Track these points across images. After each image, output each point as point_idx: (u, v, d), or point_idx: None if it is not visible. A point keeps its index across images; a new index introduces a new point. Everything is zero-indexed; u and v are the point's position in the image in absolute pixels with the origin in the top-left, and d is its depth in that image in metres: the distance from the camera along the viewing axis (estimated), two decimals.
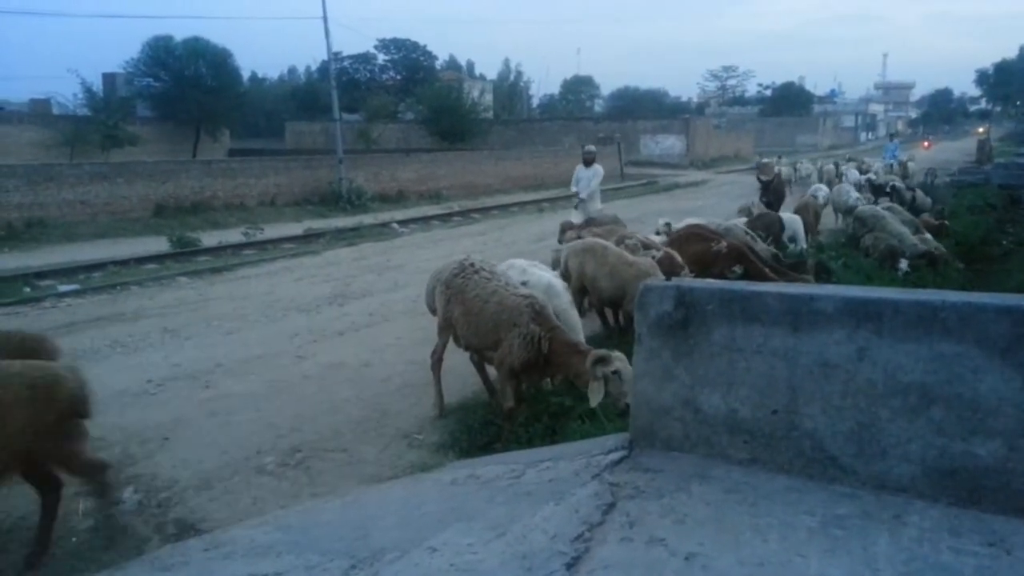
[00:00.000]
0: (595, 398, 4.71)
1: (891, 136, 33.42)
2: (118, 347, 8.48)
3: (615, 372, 4.69)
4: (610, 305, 7.94)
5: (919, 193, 18.15)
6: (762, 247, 9.91)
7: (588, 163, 12.84)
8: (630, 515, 2.43)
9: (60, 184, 18.42)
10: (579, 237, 8.96)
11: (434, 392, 6.46)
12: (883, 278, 9.70)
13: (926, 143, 56.32)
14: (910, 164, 25.02)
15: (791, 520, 2.33)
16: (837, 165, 25.20)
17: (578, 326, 6.29)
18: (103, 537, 4.50)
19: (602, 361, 4.77)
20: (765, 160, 25.00)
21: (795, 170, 26.05)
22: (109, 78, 38.60)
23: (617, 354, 4.84)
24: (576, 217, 12.35)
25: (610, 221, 10.70)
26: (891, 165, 24.66)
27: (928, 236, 11.97)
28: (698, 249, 8.71)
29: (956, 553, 2.08)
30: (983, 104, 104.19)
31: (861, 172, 22.08)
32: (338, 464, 5.49)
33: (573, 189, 12.92)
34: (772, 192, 16.19)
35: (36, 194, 17.77)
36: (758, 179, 17.40)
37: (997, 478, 2.33)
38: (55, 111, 37.41)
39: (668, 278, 3.22)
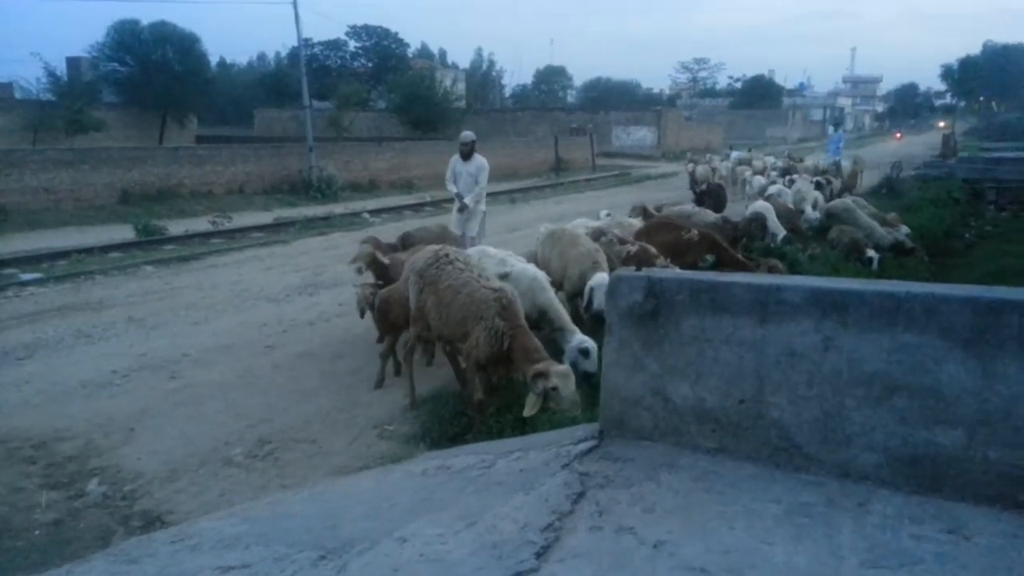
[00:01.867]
0: (529, 410, 4.78)
1: (835, 126, 29.61)
2: (82, 337, 8.33)
3: (553, 388, 4.74)
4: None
5: (809, 208, 13.95)
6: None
7: (466, 155, 10.26)
8: (599, 504, 2.44)
9: (23, 170, 18.00)
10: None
11: (406, 383, 6.44)
12: (849, 270, 9.84)
13: (898, 135, 58.02)
14: (846, 164, 21.65)
15: (758, 508, 2.36)
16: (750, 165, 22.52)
17: (564, 314, 6.35)
18: (66, 529, 4.44)
19: (541, 376, 4.81)
20: (692, 164, 24.05)
21: (713, 171, 22.74)
22: (73, 62, 37.67)
23: (559, 369, 4.86)
24: (456, 224, 10.24)
25: (434, 237, 8.67)
26: (836, 163, 21.73)
27: (902, 229, 12.15)
28: (668, 239, 8.75)
29: (917, 540, 2.13)
30: (948, 99, 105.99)
31: (786, 172, 19.04)
32: (307, 455, 5.46)
33: (451, 189, 10.38)
34: (710, 197, 14.77)
35: None
36: (692, 187, 16.63)
37: (958, 466, 2.38)
38: (17, 95, 36.48)
39: (639, 268, 3.23)
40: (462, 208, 10.21)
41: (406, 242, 8.68)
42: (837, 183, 18.73)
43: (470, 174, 10.25)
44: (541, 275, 6.72)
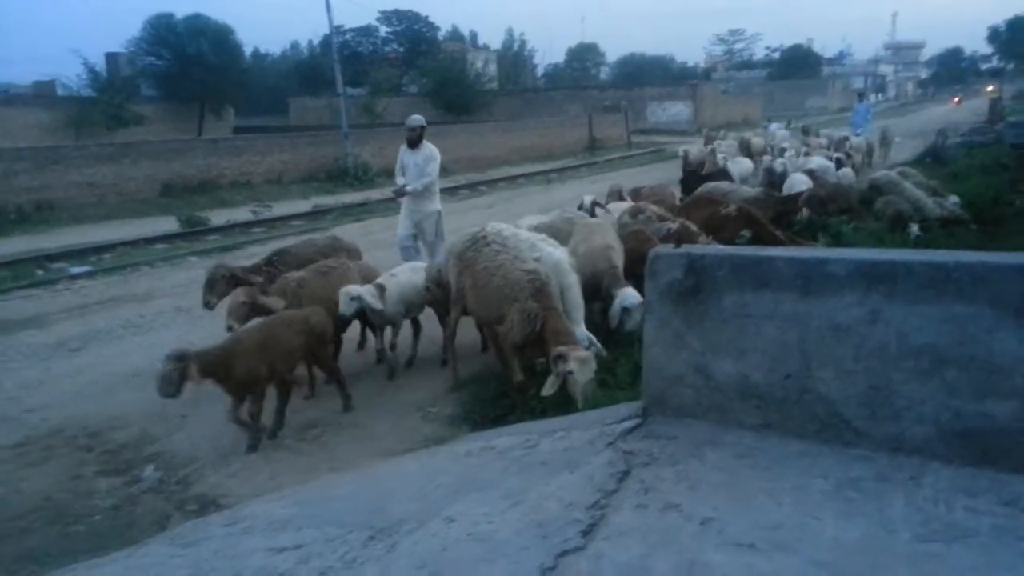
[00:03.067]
0: (547, 389, 4.81)
1: (860, 95, 26.83)
2: (131, 328, 8.54)
3: (569, 372, 4.73)
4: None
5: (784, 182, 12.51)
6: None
7: (413, 143, 9.01)
8: (644, 482, 2.44)
9: (67, 166, 18.43)
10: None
11: (449, 365, 6.49)
12: (894, 241, 9.63)
13: (956, 99, 57.32)
14: (872, 138, 20.15)
15: (805, 484, 2.34)
16: (749, 145, 19.11)
17: (580, 306, 5.97)
18: (125, 514, 4.58)
19: (561, 358, 4.81)
20: (684, 149, 17.70)
21: (712, 152, 17.51)
22: (112, 58, 38.42)
23: (579, 355, 4.83)
24: (404, 228, 9.11)
25: (316, 252, 7.41)
26: (859, 136, 19.91)
27: (951, 200, 11.81)
28: (706, 214, 8.66)
29: (972, 513, 2.09)
30: (995, 62, 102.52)
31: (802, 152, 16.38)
32: (353, 438, 5.54)
33: (399, 180, 9.04)
34: (699, 182, 12.55)
35: (43, 177, 17.80)
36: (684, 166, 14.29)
37: (1012, 438, 2.33)
38: (59, 93, 37.30)
39: (678, 245, 3.20)
40: (401, 192, 8.91)
41: (279, 261, 7.25)
42: (858, 158, 17.42)
43: (418, 165, 8.94)
44: (567, 259, 6.27)
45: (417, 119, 9.18)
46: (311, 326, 5.75)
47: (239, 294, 6.13)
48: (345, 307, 6.13)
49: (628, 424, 2.94)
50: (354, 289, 6.21)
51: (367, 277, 6.81)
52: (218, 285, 6.69)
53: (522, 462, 2.83)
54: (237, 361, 5.13)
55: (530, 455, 2.89)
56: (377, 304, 6.22)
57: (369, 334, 7.33)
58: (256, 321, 5.87)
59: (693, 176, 13.88)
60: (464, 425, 5.50)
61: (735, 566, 1.92)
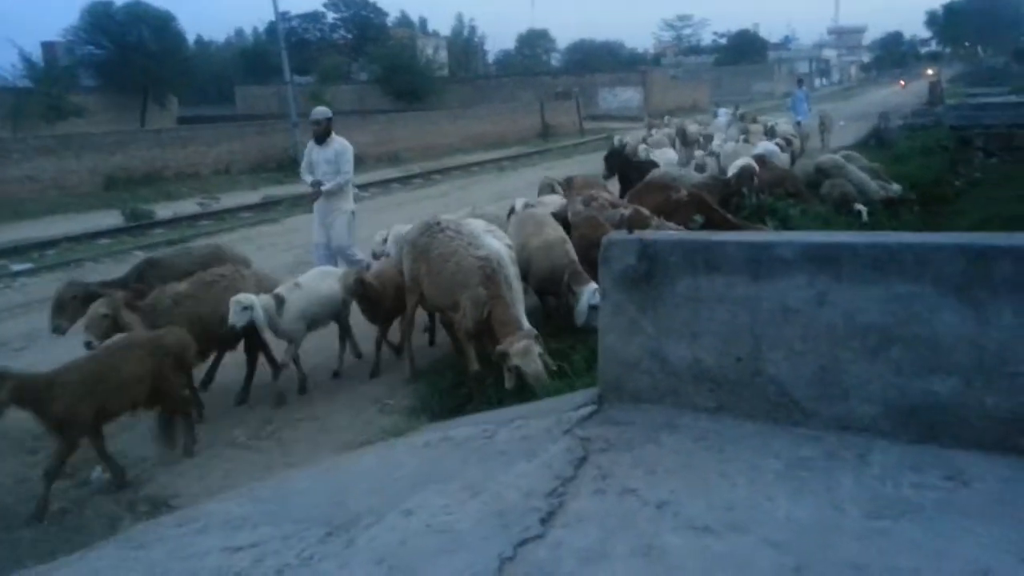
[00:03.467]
0: (507, 383, 4.94)
1: (799, 82, 25.45)
2: (77, 326, 8.30)
3: (515, 367, 4.83)
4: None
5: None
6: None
7: (320, 137, 8.21)
8: (602, 468, 2.46)
9: (5, 160, 17.80)
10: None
11: (405, 356, 6.45)
12: (841, 223, 9.85)
13: (902, 82, 59.60)
14: (811, 123, 20.13)
15: (758, 464, 2.38)
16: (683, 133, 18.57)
17: (520, 298, 5.71)
18: (74, 518, 4.46)
19: (503, 356, 4.91)
20: (618, 137, 17.49)
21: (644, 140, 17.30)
22: (49, 47, 37.20)
23: (518, 348, 4.87)
24: (317, 230, 8.33)
25: (193, 263, 6.56)
26: (798, 123, 19.83)
27: (893, 186, 12.10)
28: (659, 199, 8.73)
29: (917, 488, 2.16)
30: (934, 46, 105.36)
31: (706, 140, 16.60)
32: (310, 433, 5.48)
33: (307, 179, 8.27)
34: (631, 172, 11.91)
35: None
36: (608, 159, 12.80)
37: (955, 413, 2.40)
38: None
39: (631, 231, 3.22)
40: (316, 195, 8.13)
41: (151, 273, 6.46)
42: (798, 144, 17.27)
43: (328, 161, 8.18)
44: (506, 251, 5.98)
45: (322, 111, 8.34)
46: (164, 349, 4.93)
47: (100, 305, 5.32)
48: (235, 317, 5.39)
49: (585, 411, 2.95)
50: (246, 298, 5.49)
51: (265, 288, 5.99)
52: (69, 307, 5.73)
53: (481, 452, 2.83)
54: (56, 396, 4.33)
55: (488, 445, 2.89)
56: (265, 321, 5.59)
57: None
58: (107, 344, 5.04)
59: (627, 163, 12.85)
60: (422, 416, 5.47)
61: (691, 548, 1.95)
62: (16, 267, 11.41)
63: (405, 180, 21.88)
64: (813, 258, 2.63)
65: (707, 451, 2.51)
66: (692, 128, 19.85)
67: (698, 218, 8.10)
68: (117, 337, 5.12)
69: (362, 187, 19.84)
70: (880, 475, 2.24)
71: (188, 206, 17.25)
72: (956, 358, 2.40)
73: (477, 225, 6.38)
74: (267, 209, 16.72)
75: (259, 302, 5.57)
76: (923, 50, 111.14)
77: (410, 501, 2.41)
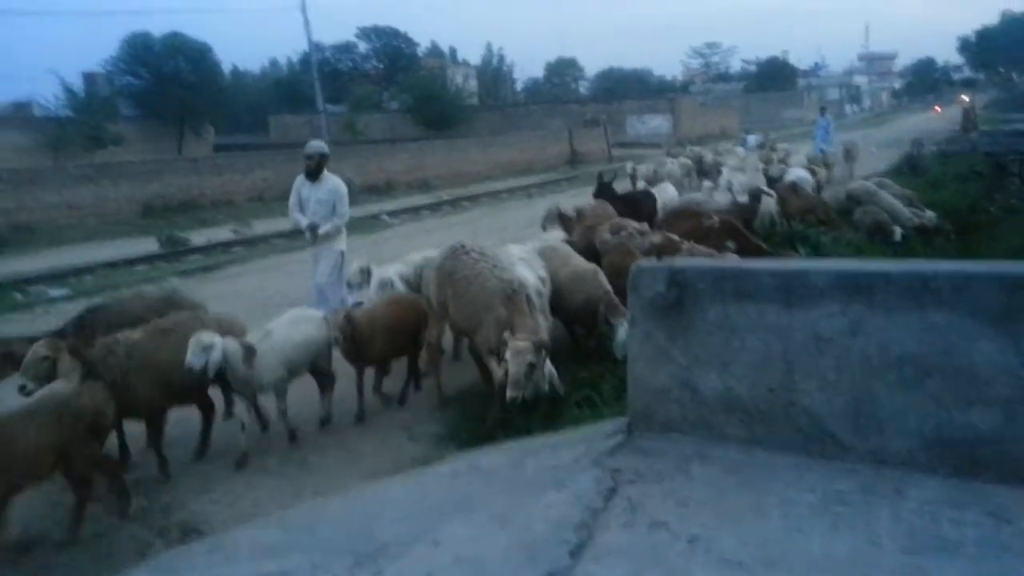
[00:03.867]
0: (495, 375, 5.19)
1: (822, 110, 24.13)
2: None
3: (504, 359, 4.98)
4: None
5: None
6: None
7: (313, 173, 7.83)
8: (631, 499, 2.43)
9: (45, 188, 18.30)
10: None
11: (433, 383, 6.46)
12: (874, 251, 9.74)
13: (937, 108, 58.88)
14: (834, 151, 19.26)
15: (792, 498, 2.33)
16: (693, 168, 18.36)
17: (544, 324, 5.69)
18: (106, 543, 4.50)
19: (503, 347, 5.02)
20: (632, 164, 17.30)
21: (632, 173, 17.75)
22: (89, 78, 38.26)
23: (515, 345, 4.91)
24: (315, 273, 7.99)
25: (146, 310, 5.95)
26: (822, 152, 19.21)
27: (927, 213, 11.95)
28: (689, 226, 8.71)
29: (957, 525, 2.10)
30: (967, 72, 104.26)
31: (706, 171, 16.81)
32: (338, 460, 5.49)
33: (297, 220, 7.90)
34: (628, 203, 10.77)
35: (21, 199, 17.65)
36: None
37: (996, 448, 2.34)
38: (37, 113, 37.06)
39: (660, 258, 3.21)
40: (314, 238, 7.73)
41: (95, 320, 5.88)
42: (823, 173, 16.74)
43: (321, 201, 7.74)
44: (534, 280, 6.07)
45: (317, 145, 7.91)
46: (76, 412, 4.34)
47: (41, 347, 4.82)
48: (194, 357, 4.88)
49: (614, 441, 2.93)
50: (208, 337, 5.00)
51: (232, 333, 5.48)
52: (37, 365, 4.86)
53: (509, 482, 2.81)
54: None
55: (517, 474, 2.87)
56: (240, 366, 5.18)
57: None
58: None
59: (615, 198, 11.34)
60: (450, 444, 5.47)
61: None
62: (53, 292, 11.66)
63: (434, 207, 22.06)
64: (846, 286, 2.59)
65: (739, 484, 2.47)
66: (709, 158, 19.78)
67: (730, 244, 8.06)
68: (26, 399, 4.53)
69: (391, 214, 20.08)
70: (918, 510, 2.19)
71: (222, 233, 17.54)
72: (996, 390, 2.34)
73: (511, 253, 6.42)
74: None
75: (230, 345, 5.14)
76: (956, 76, 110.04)
77: (438, 531, 2.39)
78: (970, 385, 2.38)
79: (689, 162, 19.26)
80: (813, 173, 15.55)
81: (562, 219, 9.18)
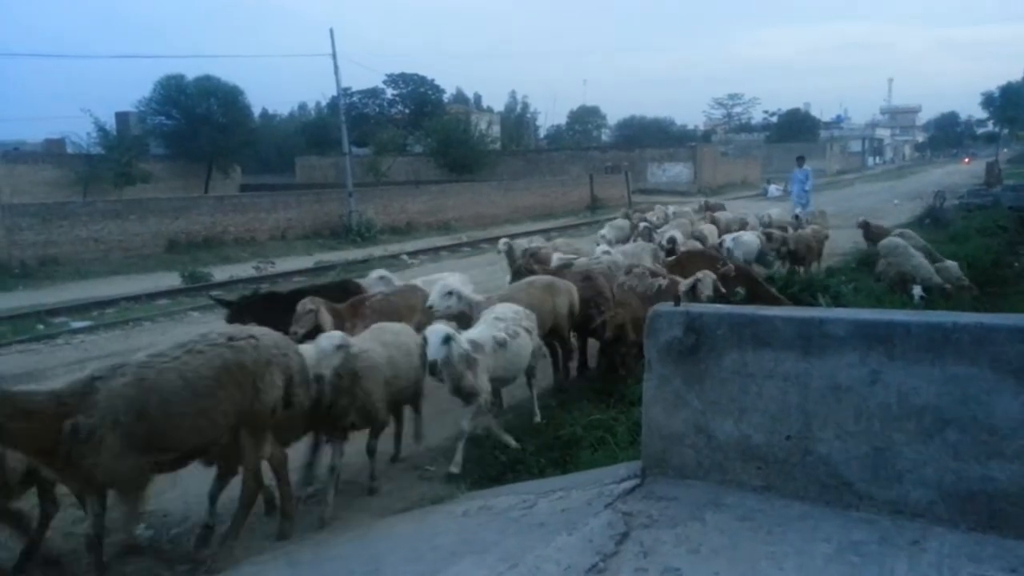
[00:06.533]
0: None
1: (799, 160, 20.34)
2: None
3: None
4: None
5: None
6: None
7: None
8: (644, 545, 2.40)
9: (74, 222, 18.64)
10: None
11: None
12: (894, 302, 9.63)
13: (966, 159, 58.46)
14: (804, 214, 15.71)
15: (807, 547, 2.29)
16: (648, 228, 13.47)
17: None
18: (115, 574, 4.47)
19: None
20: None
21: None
22: (122, 117, 39.16)
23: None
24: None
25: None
26: (796, 218, 15.45)
27: (949, 265, 11.61)
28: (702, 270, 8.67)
29: None
30: (990, 127, 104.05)
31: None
32: (349, 498, 5.44)
33: None
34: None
35: (49, 232, 17.97)
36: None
37: (1016, 502, 2.29)
38: (69, 150, 37.91)
39: (677, 303, 3.21)
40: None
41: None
42: (792, 234, 13.21)
43: None
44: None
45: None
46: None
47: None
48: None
49: (627, 484, 2.90)
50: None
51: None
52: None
53: (520, 523, 2.78)
54: None
55: (528, 516, 2.84)
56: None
57: None
58: None
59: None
60: (462, 484, 5.41)
61: None
62: (76, 324, 11.79)
63: (454, 248, 22.21)
64: (865, 336, 2.57)
65: (754, 532, 2.43)
66: (654, 217, 16.60)
67: (740, 290, 8.03)
68: None
69: (411, 254, 20.22)
70: (936, 563, 2.14)
71: (245, 269, 17.73)
72: (1016, 443, 2.30)
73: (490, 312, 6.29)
74: (319, 274, 17.07)
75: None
76: (979, 131, 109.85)
77: (447, 572, 2.37)
78: (990, 437, 2.34)
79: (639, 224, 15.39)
80: (769, 237, 12.77)
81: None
